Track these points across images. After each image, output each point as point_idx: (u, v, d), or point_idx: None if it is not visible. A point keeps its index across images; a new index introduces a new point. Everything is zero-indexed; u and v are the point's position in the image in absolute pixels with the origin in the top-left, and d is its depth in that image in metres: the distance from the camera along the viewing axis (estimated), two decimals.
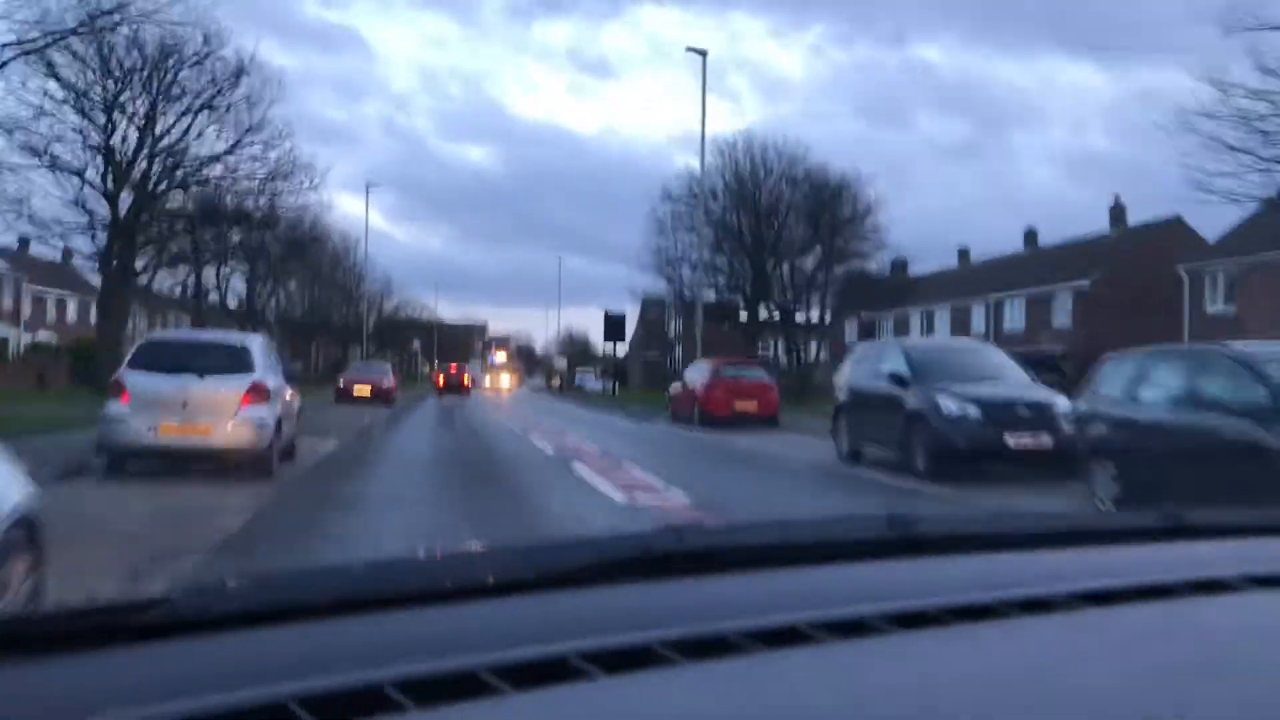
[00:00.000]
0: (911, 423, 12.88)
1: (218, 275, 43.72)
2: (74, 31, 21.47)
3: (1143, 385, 9.38)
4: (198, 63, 24.70)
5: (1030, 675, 0.90)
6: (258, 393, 11.21)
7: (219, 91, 24.91)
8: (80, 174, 24.42)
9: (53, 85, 23.46)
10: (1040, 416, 12.24)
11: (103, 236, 25.05)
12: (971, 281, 48.92)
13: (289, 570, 1.16)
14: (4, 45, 20.40)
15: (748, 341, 41.40)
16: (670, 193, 41.05)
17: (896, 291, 48.77)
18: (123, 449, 11.01)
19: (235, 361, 11.38)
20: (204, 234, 28.97)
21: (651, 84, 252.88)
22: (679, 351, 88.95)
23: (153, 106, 24.33)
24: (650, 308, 78.68)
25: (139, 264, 27.08)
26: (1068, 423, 11.33)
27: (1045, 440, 12.00)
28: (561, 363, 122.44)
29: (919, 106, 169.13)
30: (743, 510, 10.13)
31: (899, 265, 46.37)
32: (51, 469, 10.28)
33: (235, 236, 30.22)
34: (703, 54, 32.08)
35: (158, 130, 24.63)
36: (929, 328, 50.99)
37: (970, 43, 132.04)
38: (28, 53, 21.00)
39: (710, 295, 33.59)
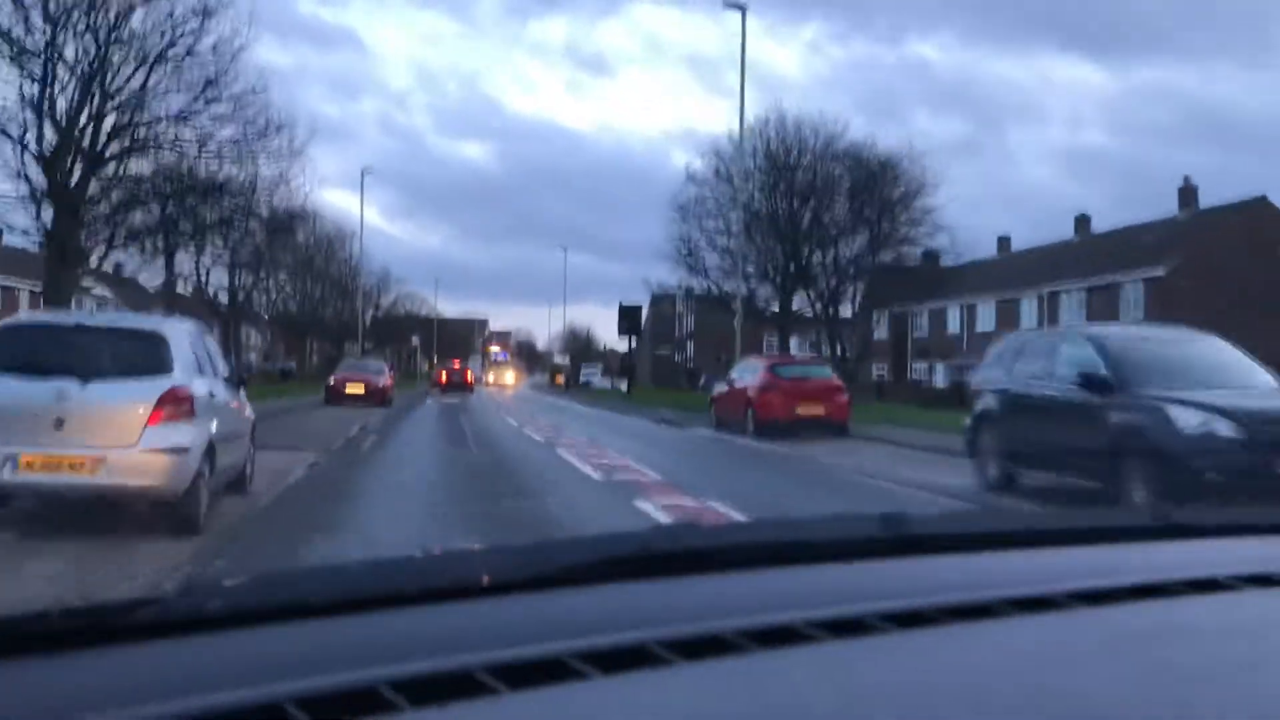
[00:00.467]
0: (1124, 444, 9.04)
1: (197, 265, 39.78)
2: None
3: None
4: None
5: (1026, 675, 0.90)
6: (175, 405, 7.36)
7: (179, 36, 20.98)
8: (17, 139, 20.48)
9: None
10: None
11: (47, 213, 21.11)
12: (1017, 272, 45.03)
13: (284, 569, 1.15)
14: None
15: (782, 338, 37.41)
16: (695, 174, 36.97)
17: (929, 283, 44.62)
18: None
19: (142, 358, 7.52)
20: (170, 207, 24.69)
21: (648, 81, 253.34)
22: (692, 348, 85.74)
23: (99, 54, 20.37)
24: (659, 302, 74.92)
25: (95, 244, 22.97)
26: None
27: None
28: (563, 359, 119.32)
29: (916, 104, 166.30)
30: None
31: (930, 256, 42.24)
32: None
33: (211, 214, 25.72)
34: (742, 9, 28.24)
35: (108, 84, 20.65)
36: (969, 323, 47.14)
37: (967, 40, 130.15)
38: None
39: (737, 287, 29.61)
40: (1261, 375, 9.82)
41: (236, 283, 41.50)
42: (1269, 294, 30.89)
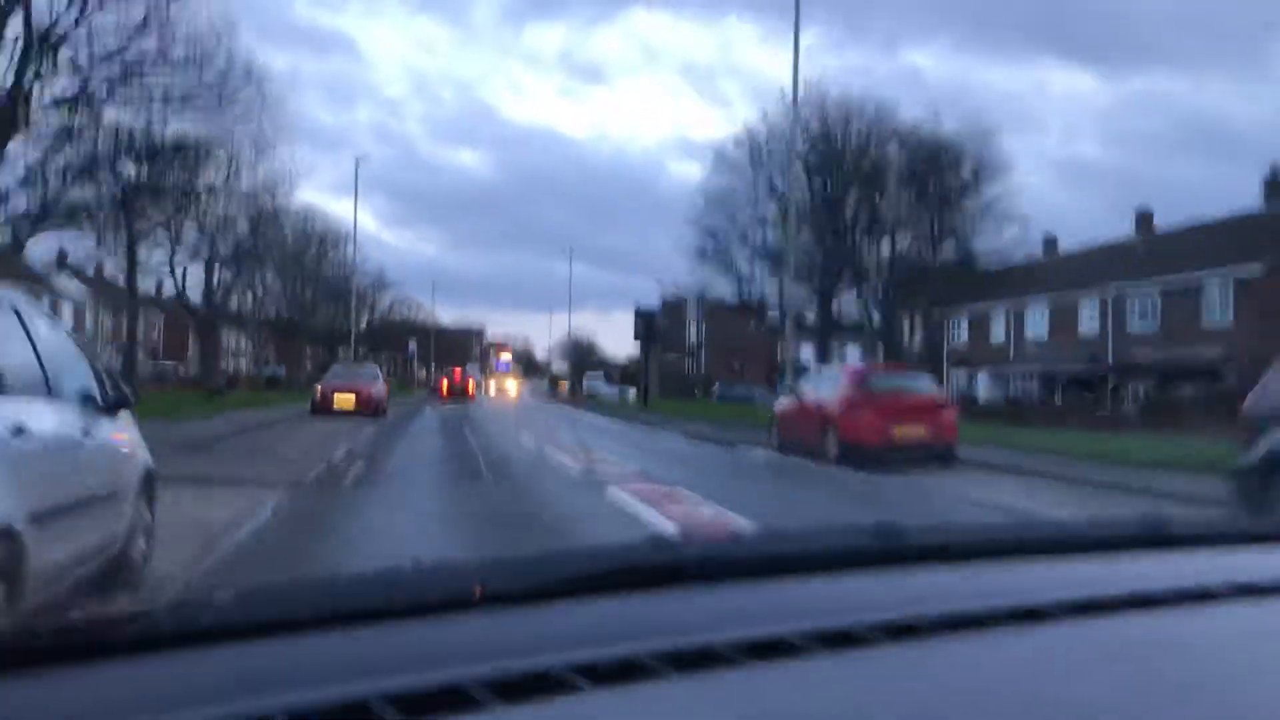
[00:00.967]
0: None
1: (171, 262, 35.76)
2: None
3: None
4: None
5: (1018, 686, 0.90)
6: None
7: None
8: None
9: None
10: None
11: None
12: (1073, 272, 41.04)
13: (273, 583, 1.10)
14: None
15: (822, 344, 33.40)
16: (728, 158, 32.95)
17: (966, 285, 40.31)
18: None
19: None
20: (123, 176, 20.45)
21: (644, 89, 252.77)
22: (703, 356, 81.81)
23: None
24: (666, 308, 71.10)
25: (21, 222, 18.85)
26: None
27: None
28: (563, 367, 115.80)
29: (910, 112, 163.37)
30: None
31: (966, 256, 37.78)
32: None
33: (173, 181, 21.32)
34: None
35: (35, 19, 16.66)
36: (1017, 329, 43.13)
37: (961, 49, 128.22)
38: None
39: (783, 282, 25.62)
40: None
41: (215, 281, 37.33)
42: None
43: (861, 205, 30.28)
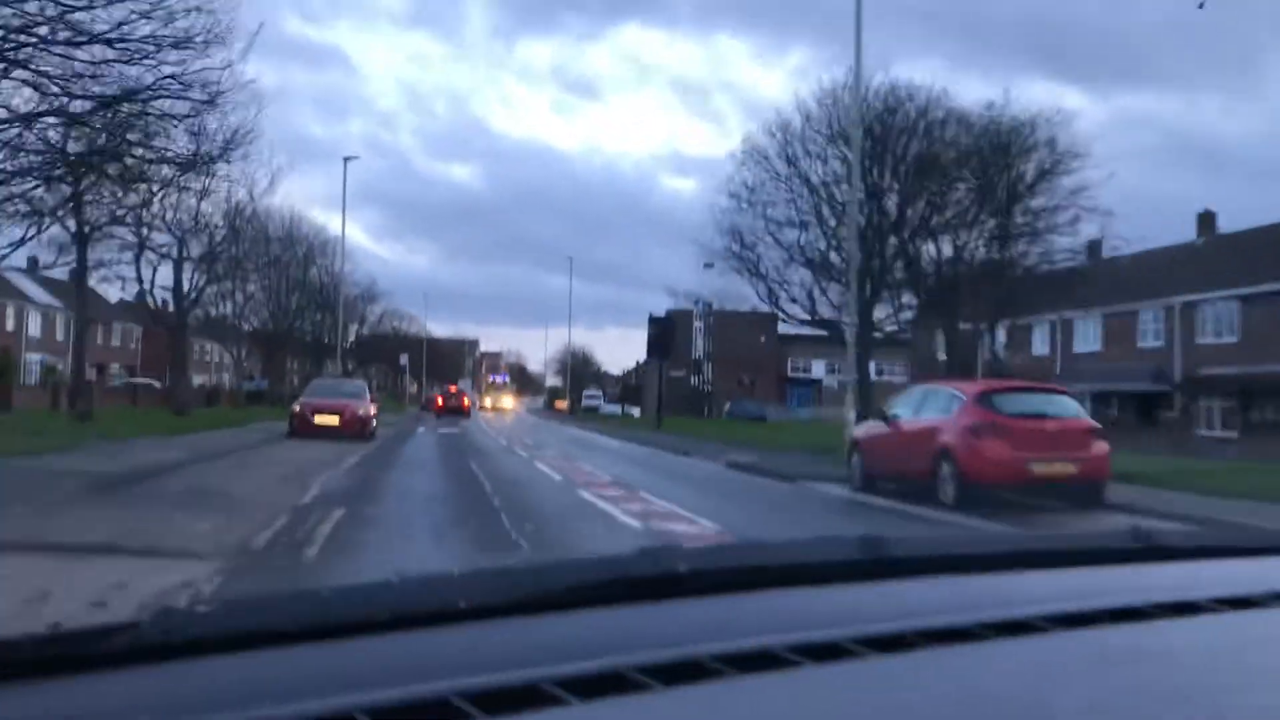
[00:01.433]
0: None
1: (137, 264, 32.05)
2: None
3: None
4: None
5: (1004, 698, 0.90)
6: None
7: None
8: None
9: None
10: None
11: None
12: (1129, 279, 37.43)
13: (259, 595, 1.11)
14: None
15: (861, 358, 29.75)
16: (759, 149, 29.35)
17: (997, 295, 35.95)
18: None
19: None
20: (44, 143, 16.62)
21: (635, 104, 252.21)
22: (710, 370, 78.16)
23: None
24: (666, 320, 67.53)
25: None
26: None
27: None
28: (556, 382, 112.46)
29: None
30: None
31: (1041, 256, 33.47)
32: None
33: (118, 141, 17.40)
34: None
35: None
36: (1063, 342, 39.44)
37: (954, 68, 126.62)
38: None
39: (848, 281, 22.00)
40: None
41: (187, 284, 33.53)
42: None
43: (911, 200, 26.64)
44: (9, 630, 0.85)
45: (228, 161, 20.30)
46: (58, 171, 17.09)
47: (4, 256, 22.25)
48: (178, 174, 20.08)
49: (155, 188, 23.44)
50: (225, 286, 42.51)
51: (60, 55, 14.16)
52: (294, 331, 56.60)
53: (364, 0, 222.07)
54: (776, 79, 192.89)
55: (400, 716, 0.77)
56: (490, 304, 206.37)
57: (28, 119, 14.64)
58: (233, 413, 38.07)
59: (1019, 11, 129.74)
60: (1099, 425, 12.89)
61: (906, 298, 29.07)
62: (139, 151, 17.16)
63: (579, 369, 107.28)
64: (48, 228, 21.81)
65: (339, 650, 0.89)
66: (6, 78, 15.06)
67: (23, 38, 14.04)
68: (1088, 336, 38.47)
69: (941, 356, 32.01)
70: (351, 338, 73.44)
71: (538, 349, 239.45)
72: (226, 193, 29.64)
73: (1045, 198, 25.35)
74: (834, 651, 0.94)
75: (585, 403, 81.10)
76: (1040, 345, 41.22)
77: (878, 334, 31.72)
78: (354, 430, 23.71)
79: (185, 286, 33.13)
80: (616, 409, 72.15)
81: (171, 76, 15.15)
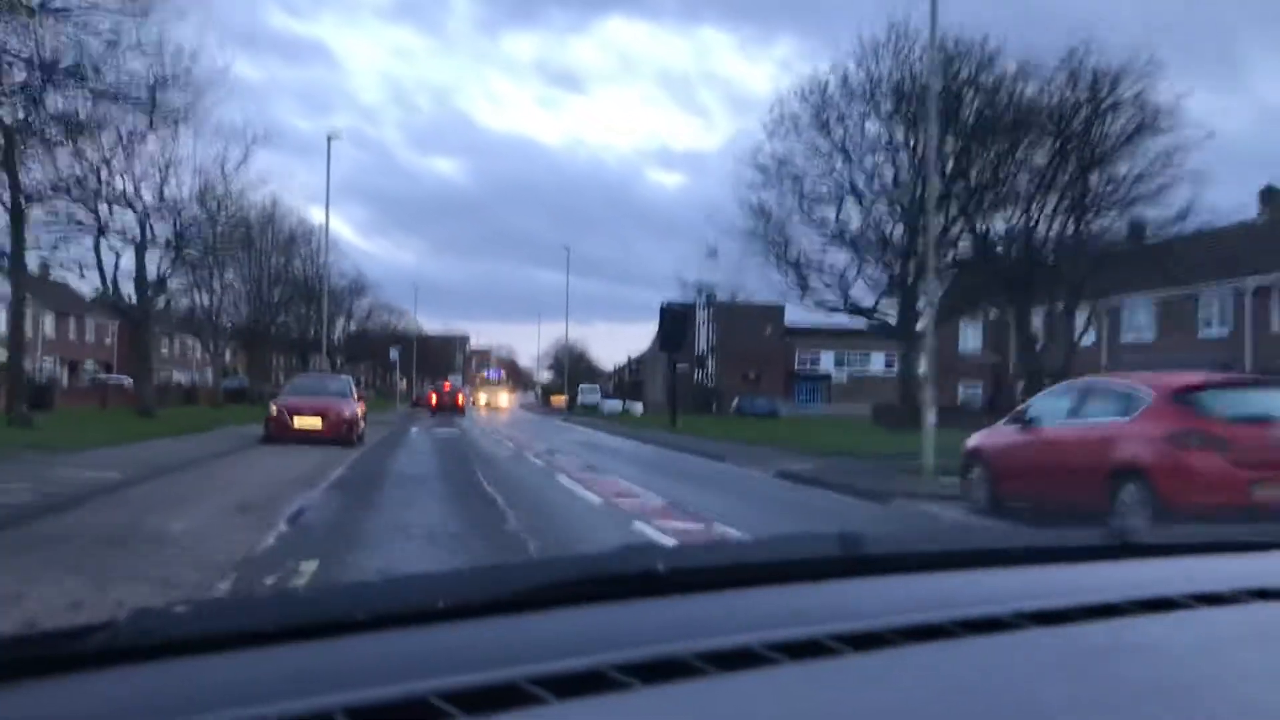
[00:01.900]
0: None
1: (96, 248, 28.67)
2: None
3: None
4: None
5: (981, 695, 0.90)
6: None
7: None
8: None
9: None
10: None
11: None
12: (1184, 261, 34.34)
13: (235, 596, 1.18)
14: None
15: (931, 351, 26.62)
16: (790, 116, 26.11)
17: (1029, 279, 32.52)
18: None
19: None
20: None
21: (620, 97, 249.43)
22: (713, 365, 75.01)
23: None
24: (669, 313, 64.32)
25: None
26: None
27: None
28: (548, 377, 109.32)
29: None
30: None
31: (1132, 227, 29.26)
32: None
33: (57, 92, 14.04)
34: None
35: None
36: (1110, 331, 36.31)
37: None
38: None
39: (930, 255, 18.84)
40: None
41: (153, 270, 30.15)
42: None
43: (978, 165, 23.41)
44: None
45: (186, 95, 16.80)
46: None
47: None
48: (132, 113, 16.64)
49: (107, 145, 20.12)
50: (200, 275, 39.08)
51: None
52: (277, 326, 53.19)
53: None
54: (762, 72, 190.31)
55: (380, 716, 0.76)
56: (478, 299, 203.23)
57: None
58: (207, 413, 34.76)
59: None
60: None
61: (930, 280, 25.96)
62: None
63: (573, 364, 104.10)
64: None
65: (318, 650, 0.88)
66: None
67: None
68: (1140, 325, 35.38)
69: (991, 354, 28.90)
70: (339, 333, 70.05)
71: (527, 344, 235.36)
72: (194, 166, 26.22)
73: (1129, 163, 22.13)
74: (813, 649, 0.93)
75: (583, 399, 77.81)
76: (1085, 334, 38.11)
77: (922, 321, 28.62)
78: (339, 434, 20.71)
79: (150, 273, 29.72)
80: (618, 405, 68.79)
81: None
